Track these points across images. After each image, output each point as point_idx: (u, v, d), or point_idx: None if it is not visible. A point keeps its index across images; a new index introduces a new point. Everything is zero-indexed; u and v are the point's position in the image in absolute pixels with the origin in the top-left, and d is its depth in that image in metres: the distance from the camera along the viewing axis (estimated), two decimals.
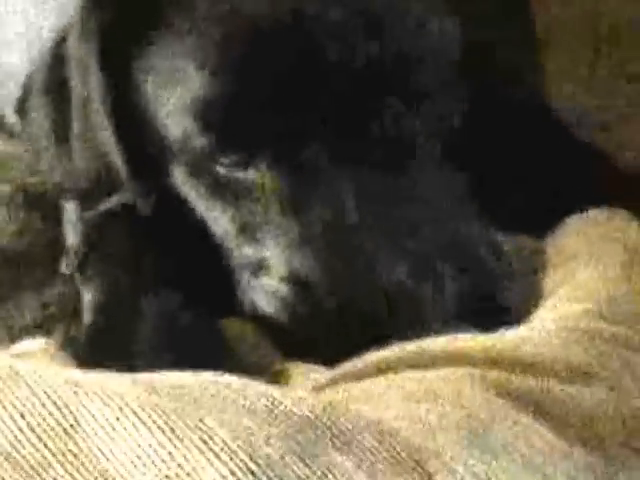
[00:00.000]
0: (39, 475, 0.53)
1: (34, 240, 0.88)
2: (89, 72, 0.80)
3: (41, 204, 0.92)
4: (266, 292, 0.76)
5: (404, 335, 0.69)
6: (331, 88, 0.74)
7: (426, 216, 0.75)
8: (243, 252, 0.79)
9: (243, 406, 0.57)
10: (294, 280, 0.75)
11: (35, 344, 0.71)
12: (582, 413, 0.63)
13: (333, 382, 0.66)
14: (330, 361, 0.70)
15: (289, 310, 0.75)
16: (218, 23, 0.76)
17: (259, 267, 0.78)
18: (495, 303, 0.74)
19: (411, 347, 0.67)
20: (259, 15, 0.75)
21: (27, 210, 0.91)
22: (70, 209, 0.86)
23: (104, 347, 0.72)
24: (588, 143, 0.92)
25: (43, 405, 0.55)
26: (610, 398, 0.64)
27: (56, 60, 0.85)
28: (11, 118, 1.00)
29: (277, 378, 0.72)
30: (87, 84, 0.81)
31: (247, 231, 0.78)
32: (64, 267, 0.81)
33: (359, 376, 0.65)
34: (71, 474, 0.53)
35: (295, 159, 0.75)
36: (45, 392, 0.56)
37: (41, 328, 0.80)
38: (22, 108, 0.89)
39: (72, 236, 0.85)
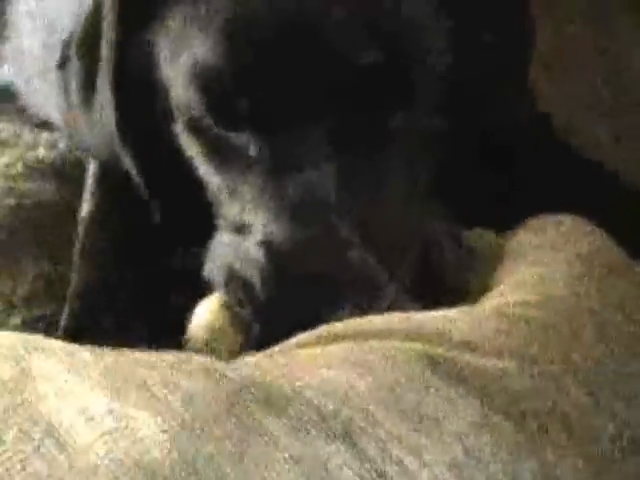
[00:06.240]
0: None
1: (32, 213, 0.94)
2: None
3: (39, 175, 0.98)
4: (243, 253, 0.80)
5: (359, 310, 0.74)
6: (327, 74, 0.78)
7: (393, 202, 0.81)
8: (230, 212, 0.83)
9: (184, 371, 0.63)
10: (268, 245, 0.79)
11: None
12: (508, 390, 0.65)
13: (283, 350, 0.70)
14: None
15: (261, 273, 0.78)
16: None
17: (240, 229, 0.82)
18: (450, 287, 0.80)
19: (354, 322, 0.71)
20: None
21: (25, 182, 0.98)
22: (90, 171, 0.91)
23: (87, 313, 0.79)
24: (578, 154, 0.96)
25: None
26: (534, 379, 0.67)
27: (91, 20, 0.90)
28: None
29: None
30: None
31: (234, 193, 0.83)
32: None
33: (308, 346, 0.70)
34: (20, 424, 0.59)
35: (281, 133, 0.80)
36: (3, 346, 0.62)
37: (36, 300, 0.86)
38: (63, 64, 0.93)
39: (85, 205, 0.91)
